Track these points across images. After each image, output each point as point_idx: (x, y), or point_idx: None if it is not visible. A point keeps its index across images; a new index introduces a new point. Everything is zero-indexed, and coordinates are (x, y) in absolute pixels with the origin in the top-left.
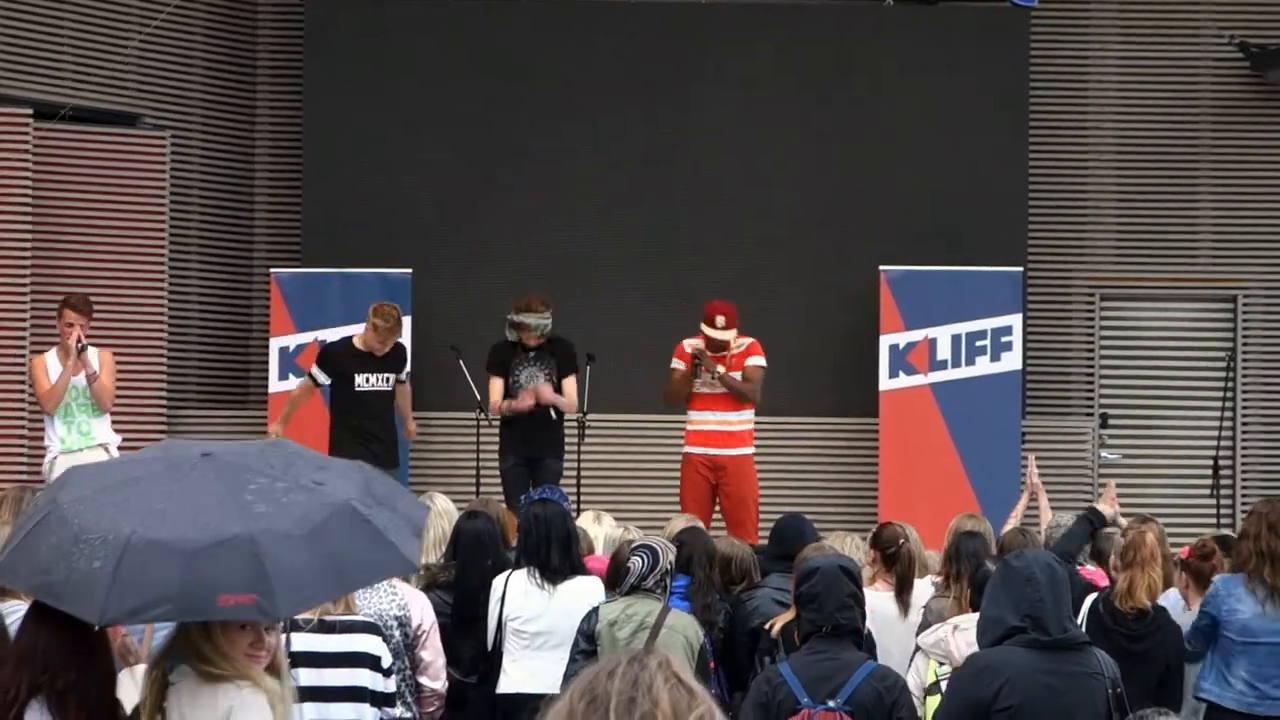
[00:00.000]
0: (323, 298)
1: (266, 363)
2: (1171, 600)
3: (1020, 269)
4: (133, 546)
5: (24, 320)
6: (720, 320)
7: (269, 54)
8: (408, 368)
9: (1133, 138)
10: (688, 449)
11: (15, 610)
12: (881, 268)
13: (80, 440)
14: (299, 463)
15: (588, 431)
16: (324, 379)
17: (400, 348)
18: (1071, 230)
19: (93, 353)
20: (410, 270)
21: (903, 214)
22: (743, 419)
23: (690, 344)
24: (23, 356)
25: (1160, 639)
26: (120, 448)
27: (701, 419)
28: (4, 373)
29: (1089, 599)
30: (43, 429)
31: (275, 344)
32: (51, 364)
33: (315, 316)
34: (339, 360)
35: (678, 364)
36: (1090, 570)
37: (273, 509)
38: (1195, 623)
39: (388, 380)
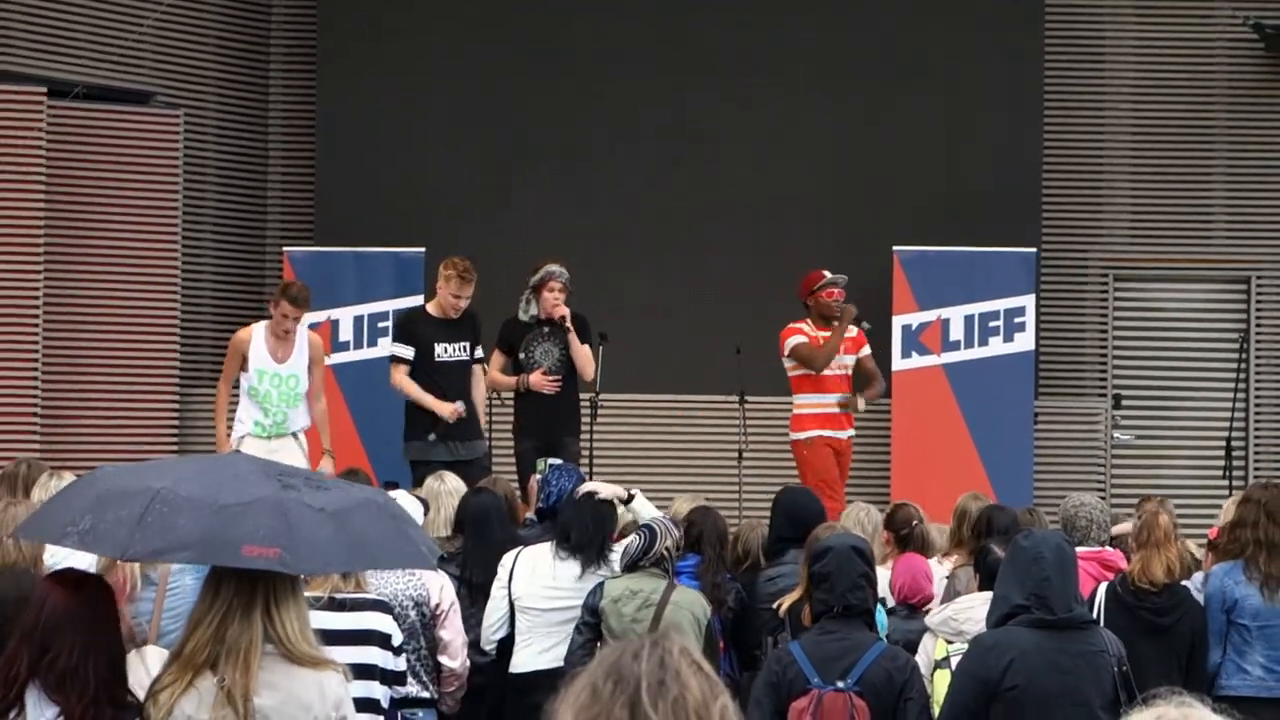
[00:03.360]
0: (336, 277)
1: None
2: (1194, 583)
3: (1034, 249)
4: (161, 497)
5: (37, 298)
6: (828, 273)
7: (283, 31)
8: (480, 350)
9: (1147, 118)
10: (817, 433)
11: None
12: (895, 248)
13: (275, 428)
14: (324, 474)
15: (600, 411)
16: (408, 353)
17: (471, 317)
18: (1085, 211)
19: (301, 355)
20: (424, 250)
21: (916, 194)
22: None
23: (799, 329)
24: (35, 333)
25: (1185, 612)
26: (305, 432)
27: (825, 401)
28: (18, 348)
29: (1103, 584)
30: (48, 407)
31: None
32: (256, 347)
33: (328, 295)
34: (416, 329)
35: (803, 339)
36: (1110, 553)
37: (303, 490)
38: (1211, 628)
39: (464, 349)
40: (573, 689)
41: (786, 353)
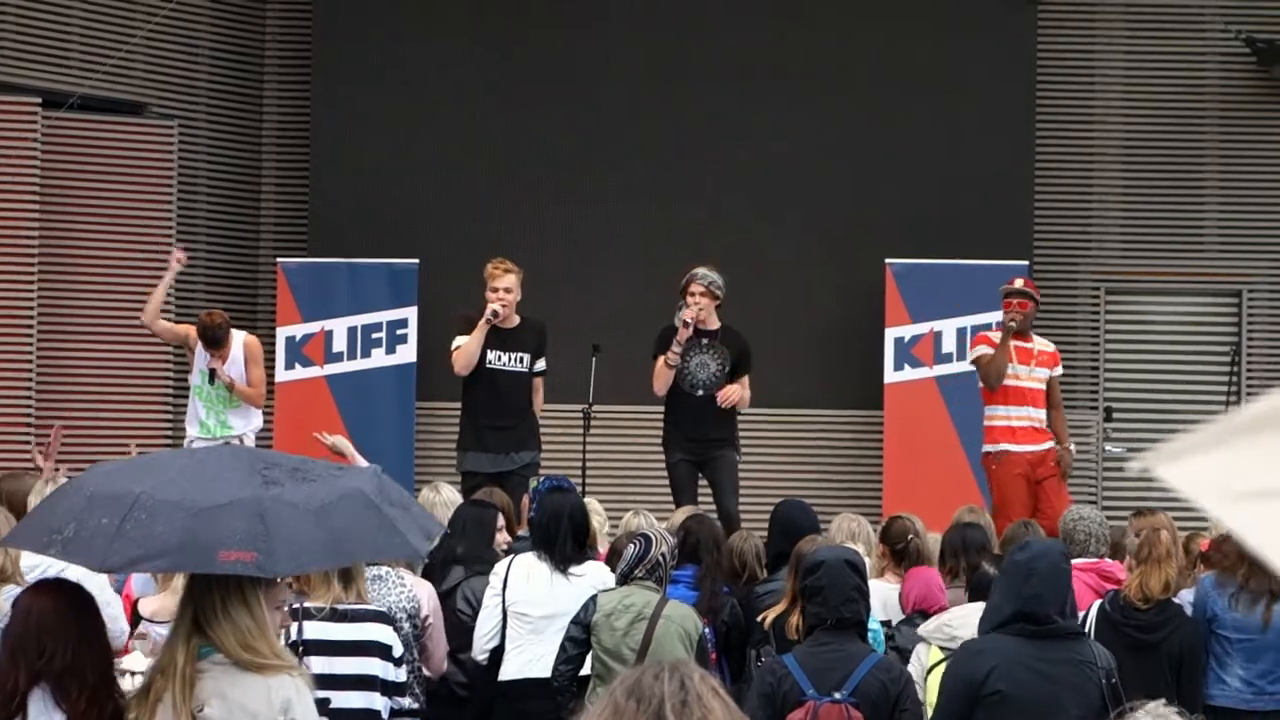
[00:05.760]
0: (329, 288)
1: (273, 353)
2: (1184, 599)
3: (1026, 262)
4: (140, 504)
5: (31, 308)
6: (1019, 282)
7: (277, 43)
8: (543, 362)
9: (1139, 132)
10: (1004, 447)
11: (13, 594)
12: (887, 260)
13: (218, 429)
14: (315, 462)
15: (593, 423)
16: (456, 340)
17: (534, 327)
18: (1077, 224)
19: (235, 362)
20: (417, 261)
21: (909, 207)
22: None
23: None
24: (30, 343)
25: (1173, 628)
26: (258, 433)
27: (1019, 414)
28: (12, 358)
29: (1095, 602)
30: (42, 416)
31: (282, 334)
32: (200, 350)
33: (322, 307)
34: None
35: (983, 351)
36: (1109, 564)
37: (285, 485)
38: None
39: (522, 361)
40: (593, 708)
41: (969, 362)
